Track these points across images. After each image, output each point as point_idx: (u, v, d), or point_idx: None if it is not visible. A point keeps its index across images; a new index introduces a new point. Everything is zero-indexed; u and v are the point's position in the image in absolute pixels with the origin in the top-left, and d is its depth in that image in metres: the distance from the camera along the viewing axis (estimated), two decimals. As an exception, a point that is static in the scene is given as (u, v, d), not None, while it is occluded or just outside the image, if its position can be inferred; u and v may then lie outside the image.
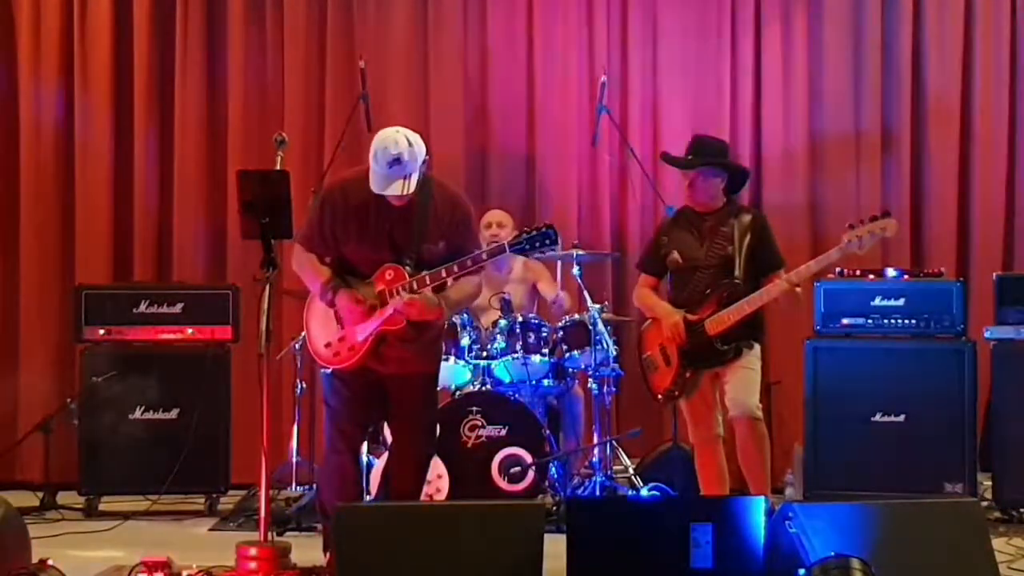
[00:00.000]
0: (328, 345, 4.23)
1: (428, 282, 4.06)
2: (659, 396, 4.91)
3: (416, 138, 4.09)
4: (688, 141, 5.04)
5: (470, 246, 4.23)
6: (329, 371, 4.31)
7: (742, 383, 4.71)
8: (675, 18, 6.71)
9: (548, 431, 5.44)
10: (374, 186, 4.03)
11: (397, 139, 4.03)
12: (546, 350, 5.54)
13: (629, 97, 6.70)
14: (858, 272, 5.61)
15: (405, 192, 4.04)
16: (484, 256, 4.11)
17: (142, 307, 5.80)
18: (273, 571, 3.84)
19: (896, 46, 6.59)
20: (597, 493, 5.29)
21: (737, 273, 4.70)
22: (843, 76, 6.60)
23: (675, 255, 4.84)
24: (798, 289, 4.65)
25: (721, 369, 4.75)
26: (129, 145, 6.69)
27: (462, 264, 4.09)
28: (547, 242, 4.04)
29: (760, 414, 4.72)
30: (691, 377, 4.78)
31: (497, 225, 6.01)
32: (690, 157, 4.89)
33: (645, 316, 5.08)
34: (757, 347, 4.79)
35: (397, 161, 3.99)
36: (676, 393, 4.82)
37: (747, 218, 4.82)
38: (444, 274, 4.08)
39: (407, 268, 4.10)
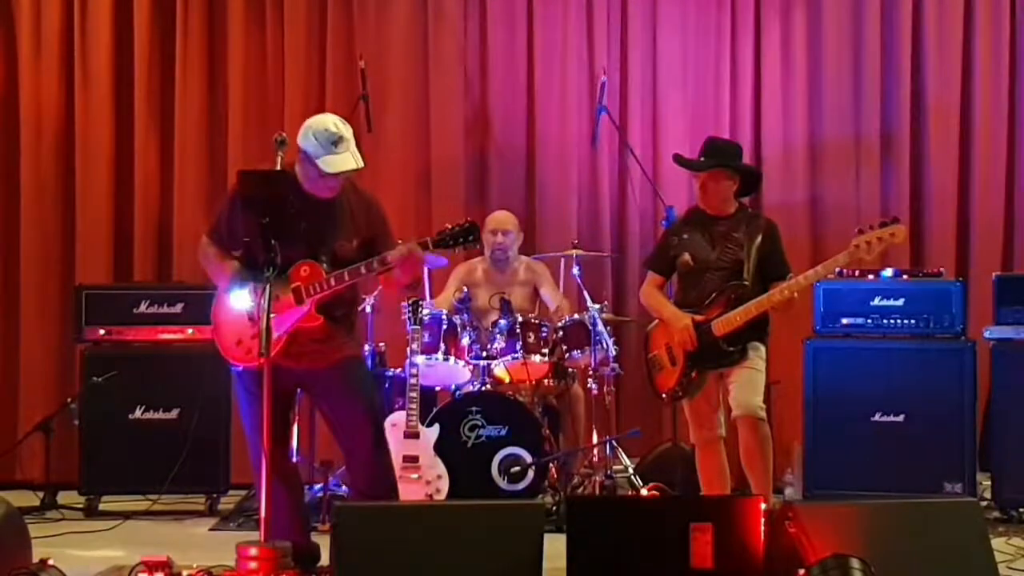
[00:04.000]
0: (240, 343, 4.15)
1: (347, 279, 4.05)
2: (664, 396, 4.91)
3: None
4: (701, 143, 5.02)
5: (388, 240, 4.23)
6: (240, 369, 4.22)
7: (747, 383, 4.71)
8: (675, 18, 6.72)
9: (548, 431, 5.44)
10: (328, 168, 4.06)
11: (335, 121, 4.14)
12: (546, 350, 5.54)
13: (629, 97, 6.71)
14: (858, 272, 5.61)
15: (359, 165, 4.11)
16: (388, 263, 4.07)
17: (142, 307, 5.80)
18: (273, 571, 3.84)
19: (896, 47, 6.60)
20: (597, 493, 5.29)
21: (745, 276, 4.70)
22: (843, 77, 6.61)
23: (686, 256, 4.83)
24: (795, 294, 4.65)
25: (726, 369, 4.75)
26: (129, 145, 6.70)
27: (382, 260, 4.06)
28: (469, 238, 4.06)
29: (764, 414, 4.72)
30: (696, 377, 4.77)
31: (502, 233, 5.98)
32: (702, 159, 4.88)
33: (650, 315, 5.07)
34: (762, 348, 4.78)
35: (341, 139, 4.09)
36: (680, 393, 4.82)
37: (760, 224, 4.82)
38: (363, 271, 4.06)
39: (323, 265, 4.09)
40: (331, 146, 4.07)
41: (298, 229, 4.10)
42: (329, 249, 4.13)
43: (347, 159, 4.10)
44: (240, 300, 4.15)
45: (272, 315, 4.04)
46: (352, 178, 4.27)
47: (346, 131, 4.12)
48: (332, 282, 4.05)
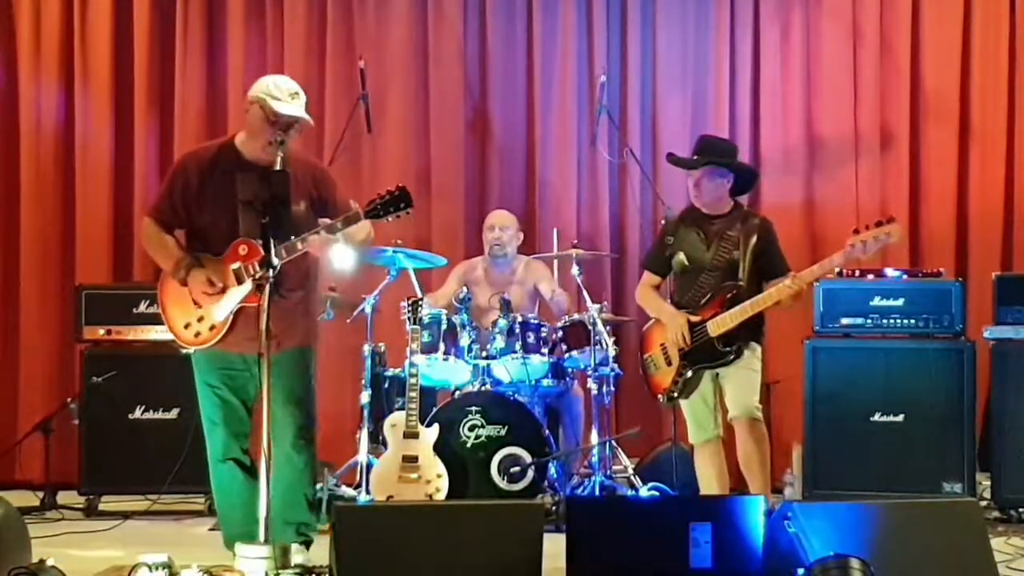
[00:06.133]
0: (188, 326, 4.19)
1: (285, 256, 4.00)
2: (659, 396, 4.91)
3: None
4: (694, 142, 5.03)
5: (336, 198, 4.22)
6: (193, 353, 4.24)
7: (743, 384, 4.71)
8: (674, 17, 6.72)
9: (548, 431, 5.45)
10: (280, 109, 4.07)
11: (289, 79, 4.21)
12: (546, 350, 5.54)
13: (628, 97, 6.72)
14: (857, 272, 5.61)
15: (308, 118, 4.13)
16: (339, 225, 4.03)
17: (142, 307, 5.80)
18: (273, 571, 3.84)
19: (895, 45, 6.60)
20: (597, 493, 5.29)
21: (741, 276, 4.70)
22: (841, 76, 6.61)
23: (681, 256, 4.83)
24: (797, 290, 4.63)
25: (722, 370, 4.75)
26: (129, 145, 6.71)
27: (316, 234, 4.02)
28: (401, 205, 3.98)
29: (760, 415, 4.73)
30: (692, 377, 4.78)
31: (500, 228, 6.00)
32: (695, 157, 4.88)
33: (646, 314, 5.07)
34: (758, 348, 4.78)
35: (297, 94, 4.14)
36: (676, 393, 4.82)
37: (754, 223, 4.82)
38: (300, 246, 4.02)
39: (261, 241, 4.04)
40: (288, 96, 4.12)
41: (244, 199, 4.09)
42: (286, 216, 4.03)
43: (299, 109, 4.13)
44: (186, 288, 4.17)
45: (212, 298, 4.10)
46: (296, 147, 4.26)
47: (302, 92, 4.18)
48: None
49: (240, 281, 4.09)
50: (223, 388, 4.24)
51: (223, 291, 4.12)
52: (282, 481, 4.23)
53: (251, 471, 4.25)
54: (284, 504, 4.24)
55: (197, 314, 4.17)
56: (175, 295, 4.23)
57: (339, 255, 4.20)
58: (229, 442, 4.26)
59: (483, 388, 5.52)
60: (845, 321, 5.60)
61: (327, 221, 4.04)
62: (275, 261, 3.96)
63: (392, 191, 4.00)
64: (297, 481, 4.27)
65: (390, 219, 4.02)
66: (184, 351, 4.29)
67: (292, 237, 4.02)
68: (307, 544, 4.29)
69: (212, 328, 4.15)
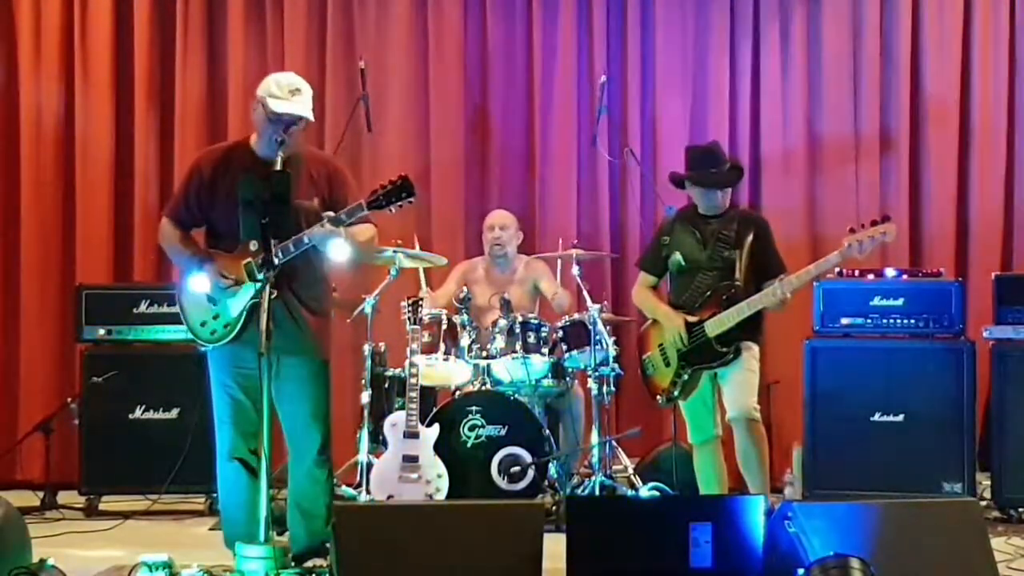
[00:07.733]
0: (204, 324, 4.20)
1: (292, 250, 4.00)
2: (658, 397, 4.91)
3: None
4: (683, 155, 5.00)
5: (348, 198, 4.20)
6: (210, 351, 4.25)
7: (741, 384, 4.72)
8: (674, 19, 6.72)
9: (548, 431, 5.45)
10: (277, 108, 4.05)
11: (298, 77, 4.18)
12: (546, 350, 5.54)
13: (628, 97, 6.72)
14: (857, 272, 5.62)
15: (309, 116, 4.12)
16: (344, 217, 4.02)
17: (142, 307, 5.80)
18: (273, 571, 3.85)
19: (895, 47, 6.61)
20: (597, 493, 5.29)
21: (737, 276, 4.70)
22: (842, 77, 6.62)
23: (677, 256, 4.83)
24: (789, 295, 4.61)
25: (720, 370, 4.75)
26: (129, 145, 6.71)
27: (321, 225, 4.02)
28: (403, 195, 3.96)
29: (758, 415, 4.73)
30: (690, 378, 4.78)
31: (500, 228, 6.01)
32: (690, 173, 4.87)
33: (644, 316, 5.08)
34: (756, 348, 4.79)
35: (299, 91, 4.12)
36: (675, 394, 4.82)
37: (751, 222, 4.82)
38: (306, 240, 4.01)
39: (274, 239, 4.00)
40: (288, 93, 4.10)
41: (256, 197, 4.04)
42: (285, 216, 4.02)
43: (298, 107, 4.11)
44: (199, 283, 4.17)
45: (226, 292, 4.10)
46: (310, 144, 4.23)
47: (306, 88, 4.15)
48: (280, 255, 3.98)
49: (252, 278, 4.09)
50: (235, 387, 4.24)
51: (236, 284, 4.11)
52: (305, 494, 4.30)
53: (257, 472, 4.25)
54: (305, 516, 4.30)
55: (212, 312, 4.19)
56: (191, 294, 4.24)
57: (336, 248, 4.18)
58: (237, 441, 4.26)
59: (483, 388, 5.52)
60: (845, 321, 5.61)
61: (331, 214, 4.04)
62: (276, 260, 3.95)
63: (394, 180, 3.99)
64: (319, 495, 4.32)
65: (393, 210, 4.00)
66: (202, 349, 4.29)
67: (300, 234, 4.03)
68: (324, 554, 4.27)
69: (226, 325, 4.16)
